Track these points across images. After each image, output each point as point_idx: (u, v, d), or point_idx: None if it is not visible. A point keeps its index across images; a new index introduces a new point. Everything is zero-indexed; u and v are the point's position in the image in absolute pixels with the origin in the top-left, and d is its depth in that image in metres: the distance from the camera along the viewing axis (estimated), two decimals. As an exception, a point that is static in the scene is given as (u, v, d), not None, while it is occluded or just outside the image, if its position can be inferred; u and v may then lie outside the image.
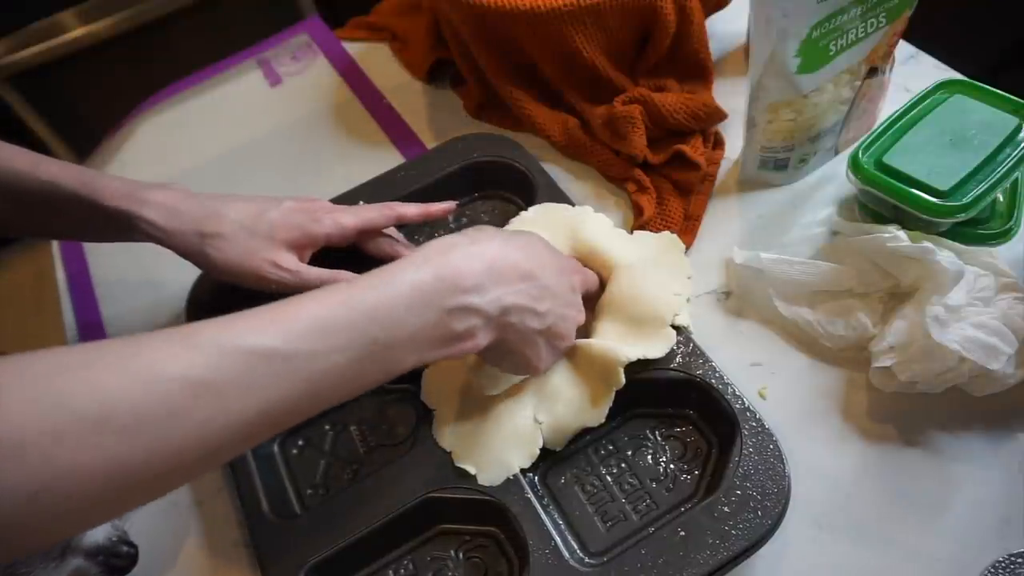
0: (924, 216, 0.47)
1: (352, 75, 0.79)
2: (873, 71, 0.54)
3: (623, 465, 0.47)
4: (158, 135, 0.81)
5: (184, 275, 0.58)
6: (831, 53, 0.50)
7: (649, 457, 0.47)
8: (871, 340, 0.47)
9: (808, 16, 0.47)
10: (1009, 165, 0.47)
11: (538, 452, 0.47)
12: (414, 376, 0.52)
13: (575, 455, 0.48)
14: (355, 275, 0.53)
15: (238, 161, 0.75)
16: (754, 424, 0.44)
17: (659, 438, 0.48)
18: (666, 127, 0.61)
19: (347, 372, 0.36)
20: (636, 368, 0.47)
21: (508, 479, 0.46)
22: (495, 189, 0.64)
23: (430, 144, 0.70)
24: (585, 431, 0.48)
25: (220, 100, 0.82)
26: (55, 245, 0.73)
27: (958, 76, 0.57)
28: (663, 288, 0.50)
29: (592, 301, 0.52)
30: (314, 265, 0.53)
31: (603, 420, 0.47)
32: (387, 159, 0.69)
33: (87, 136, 0.96)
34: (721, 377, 0.47)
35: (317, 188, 0.63)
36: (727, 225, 0.58)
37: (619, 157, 0.62)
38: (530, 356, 0.45)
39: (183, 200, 0.51)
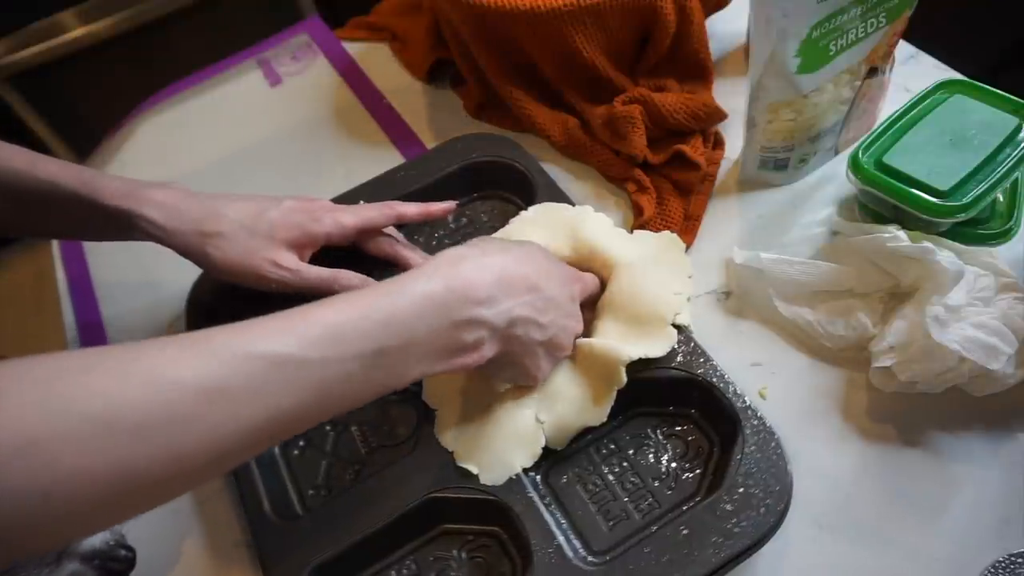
0: (924, 216, 0.47)
1: (352, 75, 0.79)
2: (873, 71, 0.54)
3: (625, 464, 0.47)
4: (158, 135, 0.81)
5: (184, 275, 0.58)
6: (831, 53, 0.50)
7: (651, 456, 0.48)
8: (871, 340, 0.47)
9: (808, 16, 0.47)
10: (1009, 165, 0.47)
11: (540, 451, 0.47)
12: (417, 378, 0.52)
13: (577, 454, 0.48)
14: (355, 274, 0.53)
15: (238, 161, 0.75)
16: (756, 422, 0.44)
17: (661, 437, 0.48)
18: (666, 127, 0.61)
19: (357, 380, 0.36)
20: (637, 367, 0.47)
21: (510, 479, 0.46)
22: (494, 189, 0.64)
23: (430, 144, 0.70)
24: (587, 430, 0.48)
25: (220, 100, 0.82)
26: (55, 245, 0.73)
27: (958, 76, 0.57)
28: (664, 287, 0.50)
29: (592, 302, 0.52)
30: (314, 264, 0.53)
31: (605, 419, 0.47)
32: (387, 159, 0.69)
33: (87, 136, 0.96)
34: (722, 376, 0.47)
35: (317, 188, 0.63)
36: (727, 225, 0.58)
37: (619, 157, 0.62)
38: (530, 366, 0.45)
39: (183, 199, 0.51)
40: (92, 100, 1.47)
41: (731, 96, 0.63)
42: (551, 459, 0.48)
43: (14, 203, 0.50)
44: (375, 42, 0.82)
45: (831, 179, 0.59)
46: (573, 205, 0.58)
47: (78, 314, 0.67)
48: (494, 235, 0.57)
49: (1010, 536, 0.42)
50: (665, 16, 0.58)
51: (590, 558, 0.44)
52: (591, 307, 0.52)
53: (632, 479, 0.47)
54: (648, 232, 0.56)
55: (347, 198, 0.62)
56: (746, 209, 0.59)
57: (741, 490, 0.42)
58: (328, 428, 0.53)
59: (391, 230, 0.59)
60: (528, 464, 0.47)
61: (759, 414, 0.45)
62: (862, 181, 0.50)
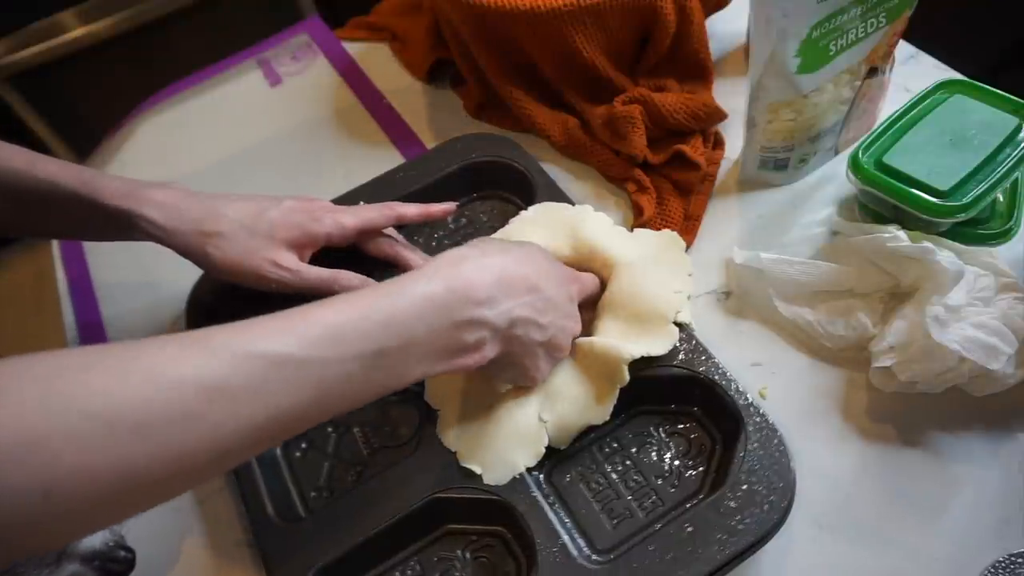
0: (924, 216, 0.47)
1: (352, 75, 0.79)
2: (873, 71, 0.54)
3: (628, 462, 0.47)
4: (158, 135, 0.81)
5: (184, 276, 0.58)
6: (831, 53, 0.50)
7: (654, 454, 0.48)
8: (871, 340, 0.47)
9: (808, 16, 0.47)
10: (1009, 165, 0.47)
11: (543, 451, 0.47)
12: (417, 379, 0.52)
13: (580, 453, 0.48)
14: (355, 275, 0.53)
15: (238, 161, 0.75)
16: (758, 419, 0.44)
17: (663, 435, 0.48)
18: (666, 127, 0.61)
19: (357, 380, 0.36)
20: (639, 365, 0.47)
21: (514, 478, 0.46)
22: (494, 189, 0.64)
23: (430, 144, 0.70)
24: (589, 429, 0.48)
25: (220, 100, 0.82)
26: (55, 245, 0.73)
27: (958, 76, 0.57)
28: (664, 286, 0.50)
29: (592, 302, 0.52)
30: (314, 265, 0.53)
31: (607, 418, 0.47)
32: (387, 159, 0.69)
33: (87, 136, 0.96)
34: (724, 373, 0.47)
35: (317, 188, 0.63)
36: (727, 225, 0.58)
37: (619, 157, 0.62)
38: (529, 367, 0.45)
39: (183, 199, 0.51)
40: (92, 100, 1.47)
41: (731, 96, 0.63)
42: (554, 458, 0.48)
43: (14, 203, 0.50)
44: (375, 42, 0.82)
45: (831, 179, 0.59)
46: (573, 205, 0.58)
47: (78, 314, 0.67)
48: (494, 235, 0.57)
49: (1010, 536, 0.42)
50: (665, 16, 0.58)
51: (594, 557, 0.44)
52: (591, 307, 0.52)
53: (635, 477, 0.47)
54: (648, 230, 0.56)
55: (347, 199, 0.62)
56: (746, 209, 0.59)
57: (745, 487, 0.42)
58: (330, 430, 0.53)
59: (391, 231, 0.59)
60: (531, 463, 0.47)
61: (761, 411, 0.45)
62: (862, 181, 0.50)
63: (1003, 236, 0.50)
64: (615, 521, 0.45)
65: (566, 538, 0.43)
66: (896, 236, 0.47)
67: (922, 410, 0.47)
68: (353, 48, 0.83)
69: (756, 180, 0.60)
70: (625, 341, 0.48)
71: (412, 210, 0.57)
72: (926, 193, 0.47)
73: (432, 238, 0.62)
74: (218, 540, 0.51)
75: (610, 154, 0.62)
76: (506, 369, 0.46)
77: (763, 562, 0.43)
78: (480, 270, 0.41)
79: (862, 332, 0.48)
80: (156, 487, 0.32)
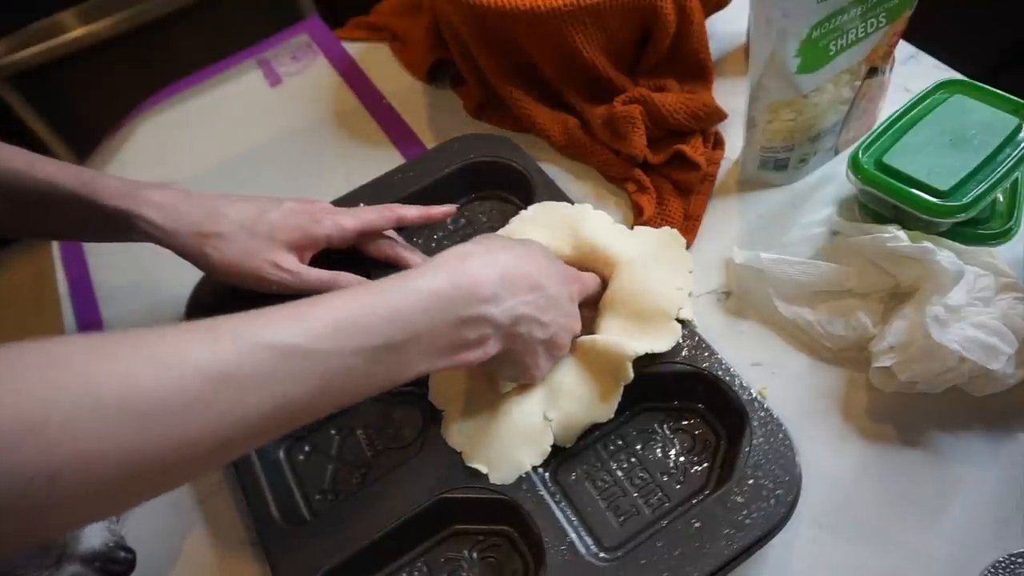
0: (924, 216, 0.47)
1: (352, 75, 0.79)
2: (873, 71, 0.54)
3: (633, 459, 0.48)
4: (158, 135, 0.81)
5: (184, 277, 0.58)
6: (831, 53, 0.50)
7: (659, 451, 0.48)
8: (871, 340, 0.47)
9: (808, 16, 0.47)
10: (1009, 165, 0.47)
11: (549, 449, 0.47)
12: (420, 379, 0.52)
13: (585, 451, 0.48)
14: (355, 276, 0.53)
15: (238, 161, 0.75)
16: (763, 414, 0.45)
17: (668, 431, 0.48)
18: (666, 127, 0.61)
19: (360, 373, 0.36)
20: (642, 362, 0.47)
21: (520, 477, 0.46)
22: (493, 189, 0.64)
23: (430, 144, 0.70)
24: (594, 427, 0.48)
25: (220, 100, 0.82)
26: (55, 246, 0.73)
27: (958, 76, 0.57)
28: (666, 283, 0.51)
29: (594, 301, 0.52)
30: (313, 266, 0.53)
31: (612, 415, 0.47)
32: (387, 159, 0.69)
33: (87, 136, 0.96)
34: (728, 369, 0.47)
35: (318, 188, 0.63)
36: (727, 225, 0.58)
37: (619, 157, 0.62)
38: (530, 364, 0.46)
39: (183, 200, 0.51)
40: (92, 100, 1.47)
41: (731, 96, 0.63)
42: (559, 457, 0.48)
43: (13, 203, 0.50)
44: (375, 42, 0.82)
45: (831, 179, 0.59)
46: (572, 204, 0.58)
47: (78, 315, 0.67)
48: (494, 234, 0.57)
49: (1010, 536, 0.42)
50: (665, 16, 0.58)
51: (602, 554, 0.44)
52: (592, 306, 0.52)
53: (641, 474, 0.47)
54: (648, 228, 0.56)
55: (347, 200, 0.62)
56: (746, 209, 0.59)
57: (751, 481, 0.42)
58: (333, 432, 0.53)
59: (391, 232, 0.59)
60: (537, 462, 0.47)
61: (765, 405, 0.45)
62: (862, 181, 0.50)
63: (1003, 236, 0.50)
64: (621, 518, 0.45)
65: (573, 536, 0.43)
66: (896, 236, 0.47)
67: (922, 410, 0.47)
68: (353, 48, 0.83)
69: (756, 180, 0.60)
70: (628, 338, 0.48)
71: (412, 212, 0.57)
72: (926, 193, 0.47)
73: (431, 239, 0.62)
74: (219, 540, 0.51)
75: (610, 154, 0.62)
76: (506, 366, 0.46)
77: (763, 562, 0.43)
78: (485, 267, 0.41)
79: (862, 332, 0.48)
80: (159, 475, 0.31)
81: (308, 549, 0.45)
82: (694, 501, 0.45)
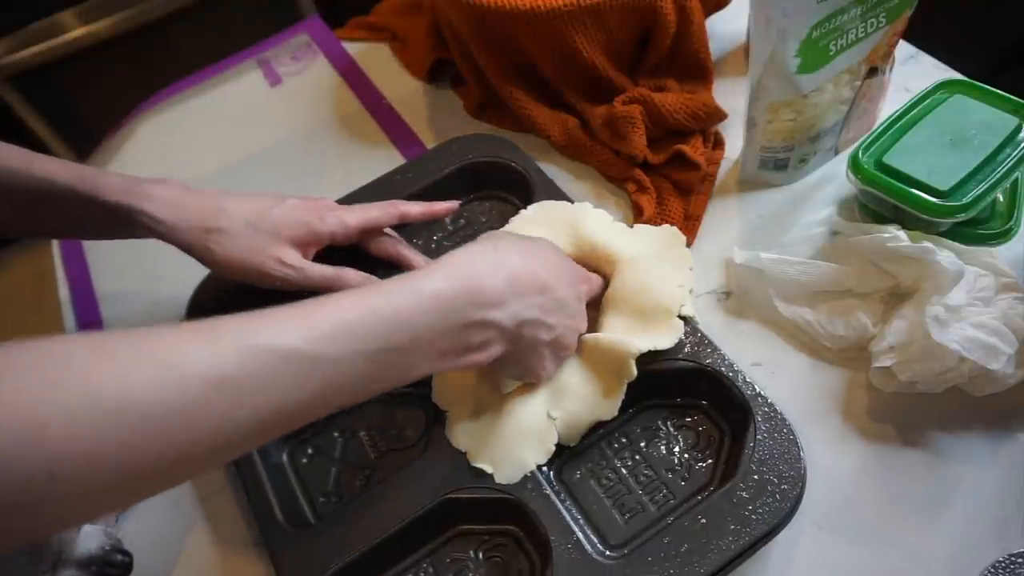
0: (924, 216, 0.47)
1: (352, 75, 0.79)
2: (873, 71, 0.54)
3: (637, 457, 0.48)
4: (158, 135, 0.81)
5: (185, 277, 0.58)
6: (831, 53, 0.50)
7: (663, 448, 0.48)
8: (871, 340, 0.47)
9: (808, 16, 0.47)
10: (1009, 165, 0.47)
11: (553, 448, 0.47)
12: (422, 380, 0.52)
13: (589, 449, 0.48)
14: (359, 272, 0.53)
15: (238, 162, 0.75)
16: (767, 409, 0.45)
17: (671, 428, 0.48)
18: (666, 127, 0.61)
19: (363, 376, 0.36)
20: (645, 360, 0.47)
21: (525, 476, 0.46)
22: (492, 189, 0.64)
23: (430, 144, 0.70)
24: (598, 425, 0.48)
25: (220, 100, 0.82)
26: (55, 246, 0.73)
27: (958, 76, 0.57)
28: (667, 280, 0.51)
29: (596, 300, 0.52)
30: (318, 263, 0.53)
31: (616, 413, 0.47)
32: (387, 159, 0.69)
33: (87, 136, 0.96)
34: (731, 365, 0.47)
35: (318, 188, 0.63)
36: (727, 225, 0.58)
37: (619, 157, 0.62)
38: (535, 365, 0.46)
39: (185, 195, 0.51)
40: (92, 100, 1.47)
41: (731, 96, 0.63)
42: (564, 455, 0.48)
43: (12, 202, 0.50)
44: (375, 42, 0.82)
45: (831, 179, 0.59)
46: (572, 203, 0.58)
47: (78, 315, 0.67)
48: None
49: (1010, 536, 0.42)
50: (665, 16, 0.58)
51: (608, 552, 0.44)
52: (595, 304, 0.52)
53: (645, 471, 0.47)
54: (648, 226, 0.56)
55: (347, 201, 0.61)
56: (746, 209, 0.59)
57: (756, 477, 0.42)
58: (336, 434, 0.53)
59: (392, 232, 0.59)
60: (542, 461, 0.47)
61: (769, 401, 0.45)
62: (862, 181, 0.50)
63: (1003, 236, 0.50)
64: (627, 516, 0.46)
65: (579, 534, 0.43)
66: (896, 236, 0.47)
67: (922, 410, 0.47)
68: (353, 48, 0.83)
69: (756, 180, 0.60)
70: (631, 336, 0.48)
71: (415, 208, 0.57)
72: (926, 193, 0.47)
73: (431, 240, 0.62)
74: (221, 539, 0.51)
75: (610, 154, 0.62)
76: (511, 366, 0.46)
77: (765, 562, 0.44)
78: (492, 269, 0.41)
79: (862, 332, 0.48)
80: (158, 474, 0.31)
81: (313, 552, 0.45)
82: (699, 497, 0.45)
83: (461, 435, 0.48)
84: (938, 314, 0.44)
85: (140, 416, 0.29)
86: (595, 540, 0.44)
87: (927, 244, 0.46)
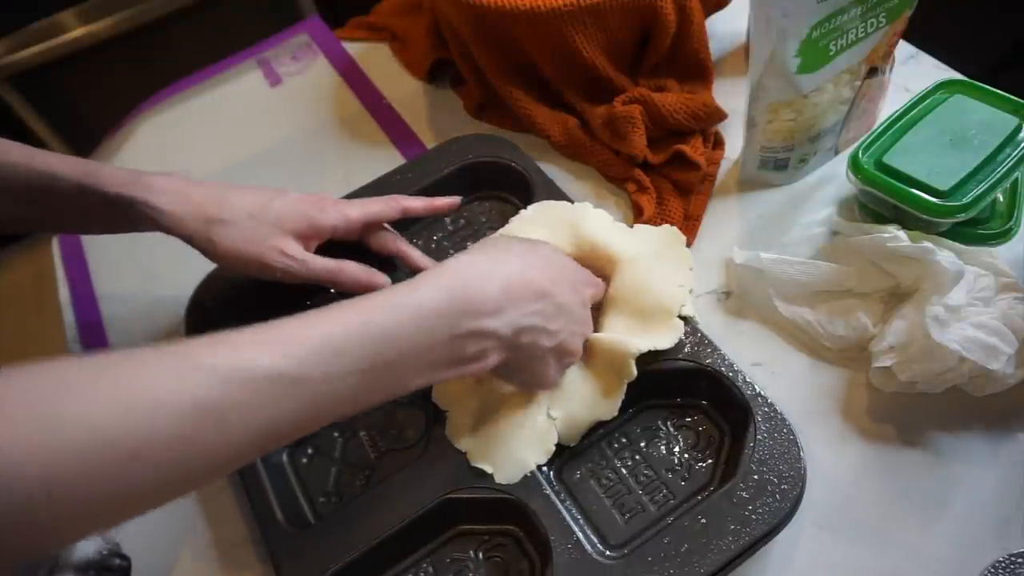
0: (924, 216, 0.47)
1: (352, 75, 0.79)
2: (873, 71, 0.54)
3: (637, 457, 0.48)
4: (158, 135, 0.81)
5: (185, 277, 0.58)
6: (831, 53, 0.50)
7: (663, 448, 0.48)
8: (871, 340, 0.47)
9: (808, 16, 0.47)
10: (1009, 165, 0.47)
11: (553, 448, 0.47)
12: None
13: (589, 449, 0.48)
14: (360, 265, 0.53)
15: (238, 162, 0.75)
16: (767, 409, 0.45)
17: (671, 428, 0.48)
18: (666, 127, 0.61)
19: (353, 393, 0.36)
20: (646, 359, 0.47)
21: (525, 476, 0.46)
22: (492, 189, 0.64)
23: (430, 144, 0.70)
24: (598, 425, 0.48)
25: (220, 100, 0.82)
26: (55, 245, 0.73)
27: (958, 76, 0.57)
28: (668, 280, 0.51)
29: (597, 300, 0.52)
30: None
31: (616, 413, 0.47)
32: (387, 159, 0.69)
33: (87, 136, 0.96)
34: (731, 365, 0.47)
35: (318, 188, 0.63)
36: (727, 225, 0.58)
37: (619, 157, 0.62)
38: (539, 372, 0.45)
39: (188, 186, 0.51)
40: (92, 100, 1.47)
41: (731, 96, 0.63)
42: (564, 455, 0.48)
43: (13, 197, 0.50)
44: (375, 42, 0.82)
45: (831, 179, 0.59)
46: (572, 203, 0.58)
47: (78, 314, 0.67)
48: (496, 234, 0.57)
49: (1010, 536, 0.42)
50: (665, 16, 0.58)
51: (608, 552, 0.44)
52: (595, 305, 0.52)
53: (645, 471, 0.47)
54: (648, 226, 0.56)
55: (347, 201, 0.61)
56: (746, 209, 0.59)
57: (756, 477, 0.42)
58: (336, 434, 0.53)
59: (391, 229, 0.58)
60: (542, 461, 0.47)
61: (769, 401, 0.45)
62: (862, 181, 0.50)
63: (1003, 236, 0.50)
64: (627, 516, 0.46)
65: (579, 534, 0.43)
66: (896, 236, 0.47)
67: (922, 410, 0.47)
68: (353, 48, 0.83)
69: (756, 180, 0.60)
70: (631, 336, 0.48)
71: (417, 203, 0.57)
72: (926, 193, 0.47)
73: (431, 240, 0.62)
74: (220, 540, 0.51)
75: (610, 154, 0.62)
76: (515, 375, 0.45)
77: (765, 562, 0.43)
78: (486, 278, 0.40)
79: (862, 332, 0.48)
80: (147, 501, 0.32)
81: (313, 552, 0.45)
82: (699, 497, 0.45)
83: (461, 435, 0.48)
84: (938, 314, 0.44)
85: (123, 453, 0.29)
86: (595, 540, 0.44)
87: (927, 244, 0.46)
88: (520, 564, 0.46)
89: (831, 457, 0.46)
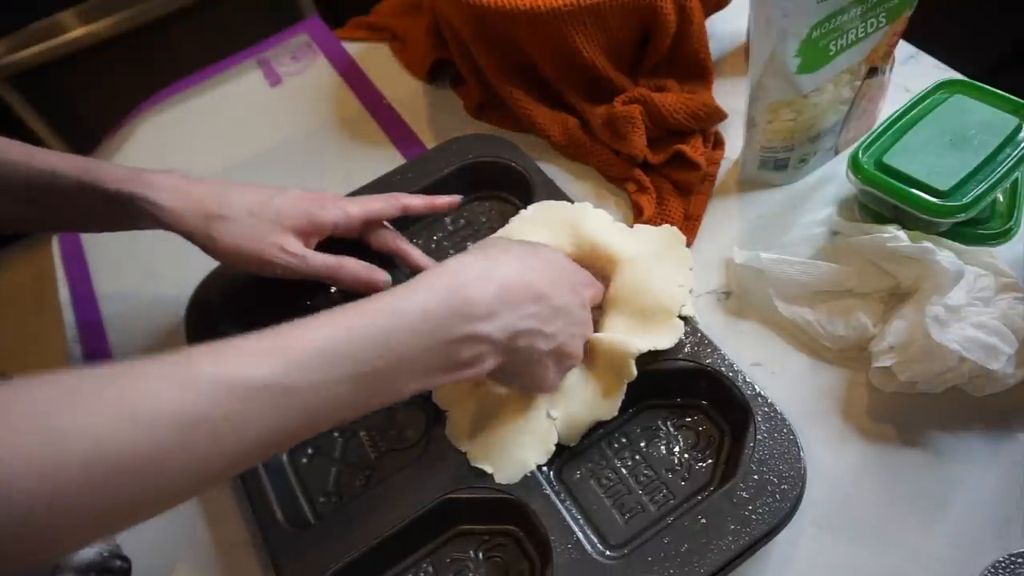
0: (924, 216, 0.47)
1: (352, 75, 0.79)
2: (873, 71, 0.54)
3: (637, 457, 0.48)
4: (158, 135, 0.81)
5: (185, 276, 0.58)
6: (831, 53, 0.50)
7: (663, 448, 0.48)
8: (871, 340, 0.47)
9: (808, 16, 0.47)
10: (1009, 165, 0.47)
11: (553, 448, 0.47)
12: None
13: (589, 449, 0.48)
14: (360, 262, 0.53)
15: (238, 162, 0.75)
16: (767, 409, 0.45)
17: (671, 428, 0.48)
18: (666, 127, 0.61)
19: (347, 401, 0.35)
20: (646, 359, 0.47)
21: (525, 476, 0.46)
22: (492, 189, 0.64)
23: (430, 144, 0.70)
24: (598, 425, 0.48)
25: (220, 100, 0.82)
26: (55, 245, 0.73)
27: (958, 76, 0.57)
28: (668, 280, 0.51)
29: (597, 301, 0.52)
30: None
31: (616, 413, 0.47)
32: (387, 159, 0.69)
33: (87, 136, 0.96)
34: (731, 365, 0.47)
35: (318, 188, 0.62)
36: (727, 225, 0.58)
37: (619, 157, 0.62)
38: (537, 376, 0.45)
39: (188, 183, 0.51)
40: (92, 100, 1.47)
41: (731, 96, 0.63)
42: (564, 455, 0.48)
43: (13, 195, 0.50)
44: (375, 42, 0.82)
45: (831, 179, 0.59)
46: (572, 203, 0.58)
47: (78, 314, 0.67)
48: (494, 235, 0.57)
49: (1010, 536, 0.42)
50: (665, 16, 0.58)
51: (608, 552, 0.44)
52: (596, 305, 0.52)
53: (645, 471, 0.47)
54: (648, 226, 0.56)
55: (347, 201, 0.61)
56: (746, 209, 0.59)
57: (756, 477, 0.42)
58: (336, 435, 0.53)
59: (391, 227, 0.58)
60: (542, 461, 0.47)
61: (769, 401, 0.45)
62: (862, 181, 0.50)
63: (1003, 236, 0.50)
64: (627, 516, 0.46)
65: (579, 534, 0.43)
66: (896, 236, 0.47)
67: (922, 410, 0.47)
68: (353, 48, 0.83)
69: (756, 180, 0.60)
70: (631, 336, 0.48)
71: (417, 201, 0.57)
72: (926, 193, 0.47)
73: (431, 240, 0.62)
74: (220, 540, 0.51)
75: (610, 154, 0.62)
76: (513, 379, 0.45)
77: (764, 562, 0.43)
78: (481, 281, 0.40)
79: (862, 332, 0.48)
80: (147, 511, 0.32)
81: (313, 552, 0.45)
82: (699, 497, 0.45)
83: (461, 435, 0.48)
84: (938, 314, 0.44)
85: (114, 469, 0.29)
86: (595, 540, 0.44)
87: (927, 244, 0.46)
88: (520, 564, 0.46)
89: (831, 457, 0.46)
